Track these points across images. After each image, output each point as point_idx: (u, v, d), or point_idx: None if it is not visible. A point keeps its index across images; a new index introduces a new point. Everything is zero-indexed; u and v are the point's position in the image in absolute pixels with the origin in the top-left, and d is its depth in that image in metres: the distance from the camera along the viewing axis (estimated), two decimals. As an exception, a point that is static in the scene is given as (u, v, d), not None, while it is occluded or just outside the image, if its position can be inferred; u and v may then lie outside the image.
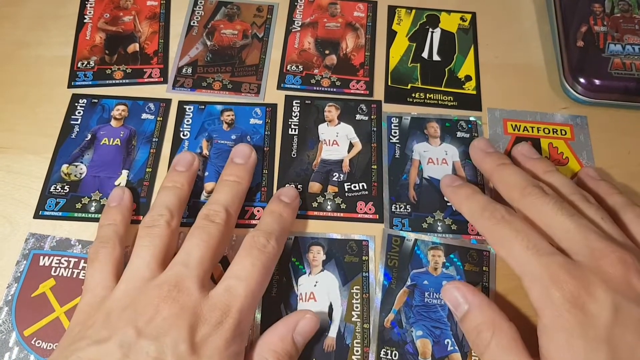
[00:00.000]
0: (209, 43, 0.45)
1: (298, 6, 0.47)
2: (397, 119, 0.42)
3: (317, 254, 0.37)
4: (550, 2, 0.46)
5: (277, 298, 0.35)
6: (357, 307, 0.35)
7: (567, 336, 0.28)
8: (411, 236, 0.37)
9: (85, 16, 0.46)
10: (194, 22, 0.46)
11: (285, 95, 0.43)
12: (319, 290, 0.36)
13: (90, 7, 0.46)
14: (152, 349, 0.28)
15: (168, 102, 0.42)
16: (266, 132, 0.41)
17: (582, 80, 0.42)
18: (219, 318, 0.30)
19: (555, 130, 0.42)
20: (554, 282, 0.29)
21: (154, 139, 0.41)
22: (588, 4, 0.45)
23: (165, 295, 0.30)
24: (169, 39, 0.45)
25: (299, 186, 0.39)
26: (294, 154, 0.40)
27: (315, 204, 0.39)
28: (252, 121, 0.41)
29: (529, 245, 0.31)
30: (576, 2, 0.45)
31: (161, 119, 0.41)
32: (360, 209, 0.39)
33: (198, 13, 0.46)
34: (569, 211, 0.32)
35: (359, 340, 0.34)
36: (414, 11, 0.47)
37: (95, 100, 0.42)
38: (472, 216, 0.35)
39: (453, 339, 0.34)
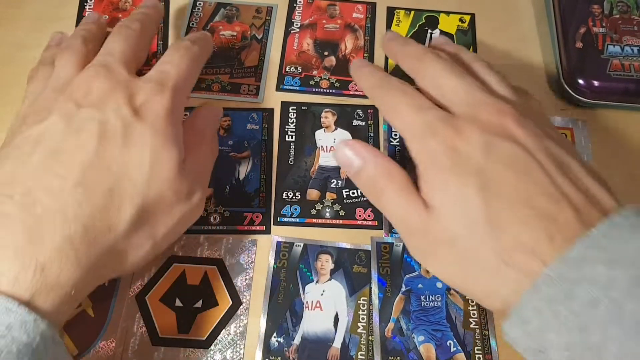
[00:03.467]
0: (207, 45, 0.45)
1: (297, 7, 0.47)
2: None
3: (325, 263, 0.37)
4: (549, 3, 0.46)
5: (282, 304, 0.35)
6: (363, 319, 0.35)
7: (441, 174, 0.29)
8: (399, 241, 0.37)
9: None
10: (193, 24, 0.46)
11: (282, 102, 0.43)
12: (325, 299, 0.36)
13: (89, 8, 0.46)
14: (96, 115, 0.29)
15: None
16: (263, 137, 0.41)
17: (580, 81, 0.42)
18: (155, 89, 0.31)
19: (555, 133, 0.42)
20: (431, 133, 0.30)
21: None
22: (587, 5, 0.45)
23: (95, 74, 0.31)
24: (168, 40, 0.45)
25: (297, 193, 0.39)
26: (291, 161, 0.40)
27: (314, 211, 0.39)
28: (249, 126, 0.41)
29: (412, 103, 0.32)
30: (575, 4, 0.45)
31: None
32: (359, 216, 0.39)
33: (197, 14, 0.46)
34: (458, 71, 0.33)
35: (363, 352, 0.34)
36: (413, 12, 0.47)
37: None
38: (370, 89, 0.36)
39: (455, 340, 0.35)
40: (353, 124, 0.42)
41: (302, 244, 0.37)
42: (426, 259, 0.31)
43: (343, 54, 0.45)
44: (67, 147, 0.28)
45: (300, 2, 0.47)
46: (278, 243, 0.37)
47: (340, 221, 0.38)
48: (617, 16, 0.44)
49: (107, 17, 0.46)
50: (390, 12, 0.47)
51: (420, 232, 0.30)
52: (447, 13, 0.47)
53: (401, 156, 0.41)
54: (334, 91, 0.43)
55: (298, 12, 0.47)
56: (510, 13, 0.48)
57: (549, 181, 0.28)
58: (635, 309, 0.23)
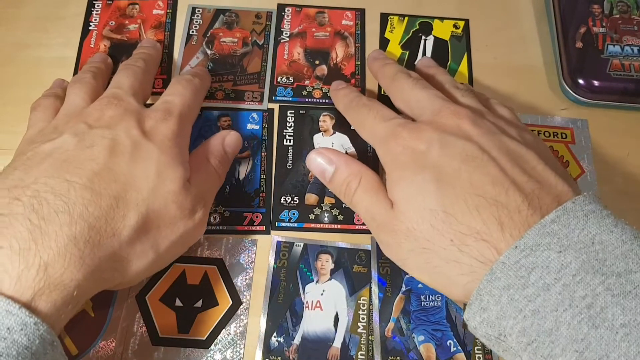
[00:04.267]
0: (209, 52, 0.44)
1: (285, 16, 0.46)
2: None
3: (325, 263, 0.37)
4: (549, 3, 0.46)
5: (282, 304, 0.36)
6: (363, 319, 0.35)
7: (400, 170, 0.31)
8: None
9: (91, 23, 0.46)
10: (192, 31, 0.45)
11: (280, 106, 0.42)
12: (325, 299, 0.36)
13: (96, 14, 0.46)
14: (107, 133, 0.31)
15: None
16: (263, 137, 0.41)
17: (581, 81, 0.42)
18: (162, 116, 0.33)
19: (555, 134, 0.42)
20: (392, 136, 0.33)
21: None
22: (587, 5, 0.45)
23: (107, 103, 0.33)
24: (173, 48, 0.45)
25: (295, 198, 0.39)
26: (289, 165, 0.40)
27: (312, 216, 0.39)
28: (249, 126, 0.42)
29: (377, 116, 0.35)
30: (575, 4, 0.45)
31: None
32: (358, 220, 0.39)
33: (196, 22, 0.46)
34: (423, 85, 0.36)
35: (363, 352, 0.35)
36: (407, 18, 0.46)
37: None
38: (344, 110, 0.39)
39: (455, 339, 0.35)
40: (351, 127, 0.41)
41: (302, 244, 0.38)
42: (394, 253, 0.32)
43: (334, 62, 0.44)
44: (78, 158, 0.30)
45: (288, 10, 0.46)
46: (278, 243, 0.38)
47: (339, 226, 0.38)
48: (617, 16, 0.44)
49: (114, 23, 0.46)
50: (384, 18, 0.46)
51: (387, 226, 0.31)
52: (441, 19, 0.46)
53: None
54: (327, 101, 0.42)
55: (287, 21, 0.46)
56: (510, 13, 0.48)
57: (500, 172, 0.29)
58: (585, 294, 0.24)
